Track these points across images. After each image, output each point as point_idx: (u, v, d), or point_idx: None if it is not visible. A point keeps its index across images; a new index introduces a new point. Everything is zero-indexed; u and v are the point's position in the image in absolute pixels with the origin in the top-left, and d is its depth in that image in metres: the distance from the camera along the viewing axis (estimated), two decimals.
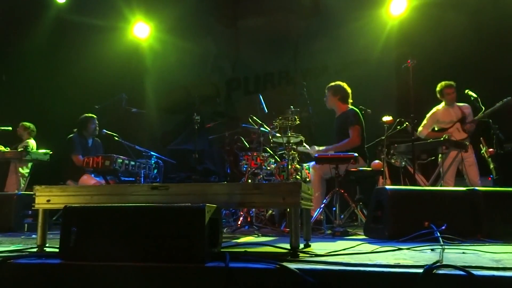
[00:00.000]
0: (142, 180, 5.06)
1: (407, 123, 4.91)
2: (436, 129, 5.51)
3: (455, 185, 5.04)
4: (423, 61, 5.12)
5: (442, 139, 4.72)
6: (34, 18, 7.90)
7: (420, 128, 5.50)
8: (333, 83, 4.98)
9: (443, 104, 5.47)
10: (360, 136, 4.66)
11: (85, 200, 2.38)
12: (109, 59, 7.67)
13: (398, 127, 5.05)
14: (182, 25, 8.10)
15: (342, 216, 4.25)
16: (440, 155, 4.93)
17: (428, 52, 6.19)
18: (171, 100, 8.56)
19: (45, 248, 2.39)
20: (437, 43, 6.51)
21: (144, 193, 2.34)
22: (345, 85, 4.94)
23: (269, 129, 4.92)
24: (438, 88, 5.46)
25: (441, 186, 4.78)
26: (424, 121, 5.54)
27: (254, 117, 5.11)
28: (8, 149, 6.03)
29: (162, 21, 8.13)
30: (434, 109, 5.54)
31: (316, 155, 4.33)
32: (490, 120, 5.01)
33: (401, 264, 1.82)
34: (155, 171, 5.33)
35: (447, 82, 5.43)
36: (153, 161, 5.36)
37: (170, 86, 8.61)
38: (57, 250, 2.09)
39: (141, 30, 8.04)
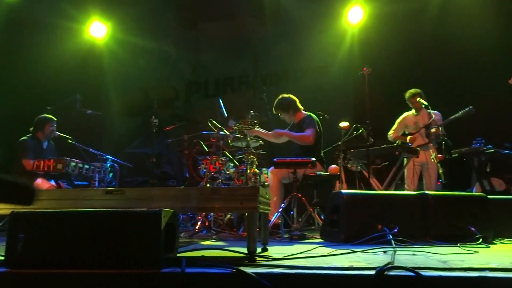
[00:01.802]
0: (97, 184, 4.92)
1: (362, 129, 5.05)
2: (406, 133, 5.72)
3: (417, 189, 5.24)
4: (379, 69, 5.30)
5: (395, 145, 4.90)
6: None
7: (390, 132, 5.75)
8: (276, 102, 5.01)
9: (413, 110, 5.70)
10: (313, 136, 4.71)
11: (34, 205, 2.28)
12: (63, 59, 7.40)
13: (354, 132, 5.18)
14: (141, 26, 7.95)
15: (299, 220, 4.30)
16: (405, 160, 5.13)
17: (384, 59, 6.43)
18: (128, 102, 8.36)
19: None
20: (393, 51, 6.76)
21: (99, 198, 2.28)
22: (286, 95, 5.01)
23: (228, 133, 4.92)
24: (406, 96, 5.68)
25: (400, 190, 4.96)
26: (394, 126, 5.77)
27: (214, 121, 5.09)
28: None
29: (120, 21, 7.94)
30: (404, 114, 5.77)
31: (274, 159, 4.37)
32: (440, 127, 5.24)
33: (354, 266, 1.87)
34: (111, 175, 5.19)
35: (412, 90, 5.64)
36: (108, 165, 5.21)
37: (128, 88, 8.40)
38: (2, 258, 1.99)
39: (97, 30, 7.81)
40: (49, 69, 7.25)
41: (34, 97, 7.03)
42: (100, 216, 1.98)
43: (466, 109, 5.16)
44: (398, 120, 5.78)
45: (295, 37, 7.79)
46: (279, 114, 5.03)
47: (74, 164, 4.62)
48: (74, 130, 5.90)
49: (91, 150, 5.44)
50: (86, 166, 4.81)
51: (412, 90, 5.64)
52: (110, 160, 5.31)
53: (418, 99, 5.47)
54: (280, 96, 5.02)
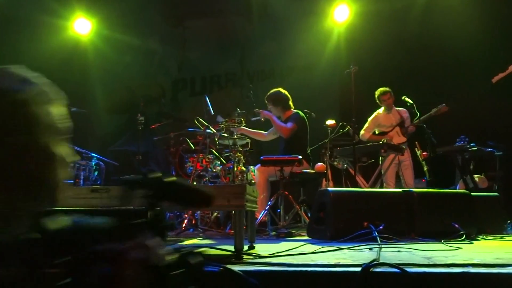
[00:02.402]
0: (82, 183, 4.86)
1: (349, 126, 5.09)
2: (377, 132, 5.75)
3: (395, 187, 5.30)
4: (365, 67, 5.34)
5: (381, 142, 4.95)
6: None
7: (362, 132, 5.72)
8: (271, 92, 5.03)
9: (383, 108, 5.73)
10: (292, 132, 4.73)
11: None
12: (47, 55, 7.27)
13: (341, 130, 5.21)
14: (126, 23, 7.86)
15: (286, 218, 4.32)
16: (381, 158, 5.16)
17: (370, 58, 6.47)
18: (114, 99, 8.27)
19: None
20: (379, 49, 6.81)
21: (84, 196, 2.25)
22: (282, 90, 5.01)
23: (215, 131, 4.90)
24: (376, 95, 5.71)
25: (381, 187, 5.00)
26: (366, 125, 5.77)
27: (200, 119, 5.07)
28: None
29: (105, 17, 7.84)
30: (375, 113, 5.78)
31: (262, 157, 4.37)
32: (425, 125, 5.31)
33: (341, 263, 1.89)
34: (96, 173, 5.13)
35: (382, 88, 5.69)
36: (93, 163, 5.15)
37: (113, 85, 8.31)
38: None
39: (82, 26, 7.70)
40: (33, 66, 6.98)
41: None
42: (84, 214, 1.95)
43: (438, 106, 5.25)
44: (370, 119, 5.80)
45: (282, 35, 7.79)
46: (268, 106, 5.01)
47: None
48: None
49: (76, 148, 5.36)
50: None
51: (382, 89, 5.70)
52: (95, 158, 5.25)
53: (403, 97, 5.53)
54: (276, 89, 5.01)
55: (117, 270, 0.81)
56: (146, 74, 8.40)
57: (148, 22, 8.22)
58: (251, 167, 4.82)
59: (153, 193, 0.93)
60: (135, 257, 0.82)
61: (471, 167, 5.67)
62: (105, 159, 5.59)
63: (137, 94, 7.66)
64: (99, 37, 8.02)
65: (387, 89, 5.66)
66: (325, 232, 3.31)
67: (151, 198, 0.94)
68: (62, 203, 2.19)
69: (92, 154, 5.30)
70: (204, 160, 4.78)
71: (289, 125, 4.72)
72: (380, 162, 5.15)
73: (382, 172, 5.17)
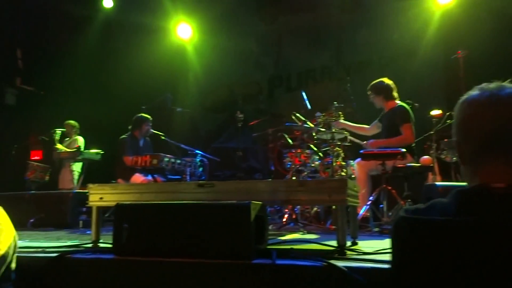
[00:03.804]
0: (188, 178, 5.17)
1: None
2: None
3: None
4: (474, 52, 4.90)
5: None
6: (84, 23, 8.28)
7: None
8: (373, 82, 4.80)
9: None
10: (413, 133, 4.45)
11: (135, 197, 2.46)
12: (154, 60, 7.90)
13: (448, 121, 4.85)
14: (223, 25, 8.18)
15: (390, 214, 4.14)
16: None
17: (479, 42, 5.90)
18: (214, 99, 8.70)
19: (99, 244, 2.49)
20: (489, 32, 6.18)
21: (191, 191, 2.38)
22: (385, 80, 4.75)
23: (312, 125, 4.87)
24: None
25: None
26: None
27: (297, 114, 5.08)
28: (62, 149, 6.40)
29: (204, 21, 8.26)
30: None
31: (361, 151, 4.24)
32: None
33: None
34: (200, 169, 5.42)
35: None
36: (198, 159, 5.45)
37: (213, 85, 8.74)
38: (110, 245, 2.18)
39: (184, 31, 8.22)
40: (141, 70, 7.79)
41: (130, 97, 7.60)
42: (194, 208, 2.08)
43: None
44: None
45: (378, 24, 7.46)
46: (370, 96, 4.80)
47: (167, 159, 4.90)
48: (166, 127, 6.28)
49: (182, 146, 5.74)
50: (178, 161, 5.07)
51: None
52: (199, 155, 5.54)
53: None
54: (380, 79, 4.80)
55: None
56: (244, 73, 8.67)
57: (243, 22, 8.47)
58: (351, 161, 4.70)
59: None
60: None
61: None
62: (208, 155, 5.88)
63: (235, 92, 7.96)
64: (199, 39, 8.49)
65: None
66: None
67: None
68: (174, 198, 2.33)
69: (197, 151, 5.60)
70: (302, 155, 4.78)
71: (404, 132, 4.44)
72: None
73: None
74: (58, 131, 6.50)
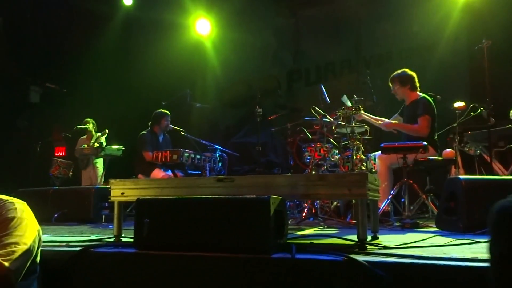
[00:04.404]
0: (208, 173, 5.19)
1: (481, 108, 4.59)
2: None
3: None
4: (498, 41, 4.75)
5: None
6: (105, 20, 8.40)
7: None
8: (396, 73, 4.71)
9: None
10: (428, 127, 4.38)
11: (155, 192, 2.48)
12: (173, 56, 7.95)
13: (472, 113, 4.73)
14: (241, 20, 8.17)
15: (411, 208, 4.08)
16: None
17: (503, 31, 5.72)
18: (233, 94, 8.71)
19: (121, 238, 2.53)
20: None
21: (211, 186, 2.39)
22: (408, 71, 4.67)
23: (332, 119, 4.83)
24: None
25: None
26: None
27: (317, 108, 5.04)
28: (85, 145, 6.51)
29: (222, 16, 8.26)
30: None
31: (382, 144, 4.18)
32: None
33: (479, 258, 1.71)
34: (220, 164, 5.44)
35: None
36: (217, 155, 5.47)
37: (231, 81, 8.75)
38: (132, 240, 2.21)
39: (202, 27, 8.24)
40: (161, 66, 7.86)
41: (150, 93, 7.68)
42: (214, 202, 2.08)
43: None
44: None
45: (398, 15, 7.32)
46: (392, 87, 4.72)
47: (187, 154, 4.93)
48: (185, 123, 6.32)
49: (202, 141, 5.77)
50: (198, 156, 5.10)
51: None
52: (219, 150, 5.56)
53: None
54: (402, 70, 4.72)
55: None
56: (262, 67, 8.65)
57: (261, 16, 8.43)
58: (371, 155, 4.64)
59: None
60: None
61: None
62: (227, 150, 5.90)
63: (254, 87, 7.94)
64: (217, 35, 8.50)
65: None
66: (457, 223, 3.05)
67: None
68: (193, 192, 2.34)
69: (216, 146, 5.62)
70: (321, 149, 4.75)
71: (420, 122, 4.36)
72: None
73: None
74: (80, 127, 6.63)
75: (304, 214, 4.51)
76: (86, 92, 8.37)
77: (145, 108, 6.29)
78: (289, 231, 2.29)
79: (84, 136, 6.88)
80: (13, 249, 1.76)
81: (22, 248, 1.79)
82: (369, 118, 4.68)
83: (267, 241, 1.92)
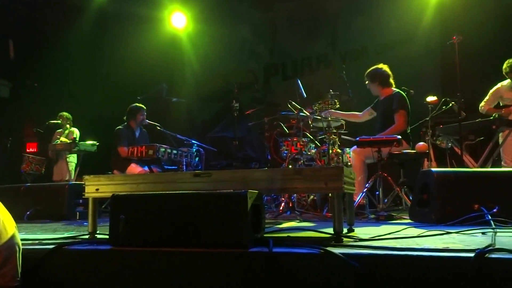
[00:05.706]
0: (185, 168, 5.16)
1: (453, 102, 4.70)
2: (501, 105, 5.20)
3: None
4: (470, 37, 4.87)
5: (492, 118, 4.49)
6: (78, 12, 8.19)
7: (481, 104, 5.18)
8: (369, 69, 4.78)
9: (508, 80, 5.13)
10: (405, 121, 4.47)
11: (131, 188, 2.45)
12: (148, 50, 7.84)
13: (444, 107, 4.85)
14: (217, 13, 8.12)
15: (385, 200, 4.16)
16: (500, 136, 4.66)
17: (475, 27, 5.87)
18: (210, 88, 8.66)
19: (96, 235, 2.49)
20: (485, 17, 6.15)
21: (188, 181, 2.37)
22: (383, 66, 4.72)
23: (308, 114, 4.87)
24: (504, 66, 5.09)
25: (493, 167, 4.56)
26: (486, 97, 5.21)
27: (293, 102, 5.07)
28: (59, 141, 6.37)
29: (198, 10, 8.19)
30: (498, 85, 5.18)
31: (357, 138, 4.24)
32: None
33: (450, 248, 1.76)
34: (197, 159, 5.41)
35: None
36: (194, 149, 5.44)
37: (208, 75, 8.69)
38: (107, 236, 2.18)
39: (178, 20, 8.15)
40: (136, 60, 7.73)
41: (125, 88, 7.55)
42: (191, 197, 2.07)
43: None
44: (491, 91, 5.22)
45: (373, 11, 7.43)
46: (366, 83, 4.79)
47: (163, 149, 4.88)
48: (161, 118, 6.24)
49: (178, 136, 5.72)
50: (174, 151, 5.06)
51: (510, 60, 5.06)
52: (195, 145, 5.53)
53: None
54: (376, 66, 4.77)
55: None
56: (239, 62, 8.63)
57: (237, 10, 8.40)
58: (347, 149, 4.71)
59: None
60: None
61: None
62: (204, 145, 5.87)
63: (231, 81, 7.90)
64: (193, 29, 8.43)
65: None
66: (430, 215, 3.13)
67: None
68: (170, 188, 2.33)
69: (193, 141, 5.59)
70: (298, 144, 4.79)
71: (397, 119, 4.44)
72: (495, 139, 4.66)
73: (502, 151, 4.69)
74: (52, 123, 6.47)
75: (281, 208, 4.54)
76: (59, 86, 8.16)
77: (120, 103, 6.18)
78: (266, 225, 2.31)
79: (60, 130, 6.73)
80: None
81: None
82: (341, 114, 4.74)
83: (245, 236, 1.93)
